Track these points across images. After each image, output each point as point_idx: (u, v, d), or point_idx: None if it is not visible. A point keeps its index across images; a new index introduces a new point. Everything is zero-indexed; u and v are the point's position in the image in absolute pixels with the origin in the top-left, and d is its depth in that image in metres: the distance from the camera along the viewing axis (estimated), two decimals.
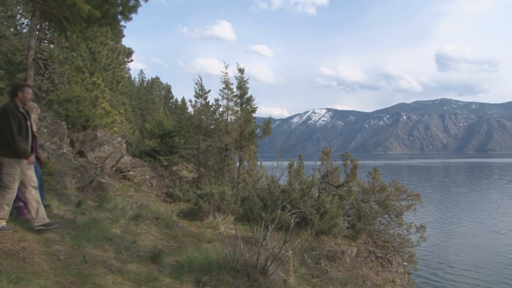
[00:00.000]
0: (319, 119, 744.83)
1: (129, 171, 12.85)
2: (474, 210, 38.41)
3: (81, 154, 12.54)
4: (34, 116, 6.68)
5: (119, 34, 22.57)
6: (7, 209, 5.67)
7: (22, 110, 5.81)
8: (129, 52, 26.83)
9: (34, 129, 6.55)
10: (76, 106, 14.49)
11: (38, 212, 5.79)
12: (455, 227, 30.57)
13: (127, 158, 13.27)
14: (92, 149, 12.75)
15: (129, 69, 34.25)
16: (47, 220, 5.83)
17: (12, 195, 5.71)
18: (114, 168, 12.73)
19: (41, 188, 6.49)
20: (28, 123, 5.89)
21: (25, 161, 5.77)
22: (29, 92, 5.93)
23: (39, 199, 5.91)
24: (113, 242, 5.95)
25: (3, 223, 5.61)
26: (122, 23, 9.68)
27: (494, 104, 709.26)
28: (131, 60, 28.32)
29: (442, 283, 18.69)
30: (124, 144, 14.35)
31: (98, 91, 17.52)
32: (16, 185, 5.73)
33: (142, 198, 10.80)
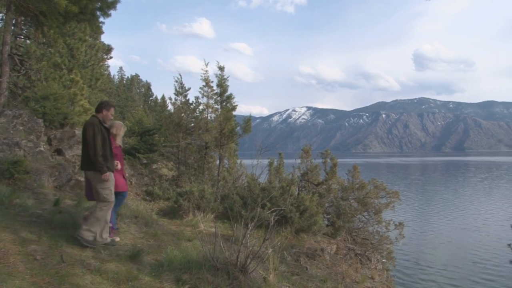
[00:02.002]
0: (299, 117, 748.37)
1: None
2: (449, 207, 39.12)
3: (58, 152, 12.35)
4: (121, 133, 7.06)
5: (98, 31, 22.28)
6: (102, 225, 5.85)
7: (106, 126, 6.04)
8: (108, 49, 26.56)
9: (120, 146, 7.09)
10: (54, 104, 14.24)
11: (103, 230, 5.91)
12: (430, 224, 31.11)
13: None
14: (70, 147, 12.57)
15: (108, 66, 33.93)
16: (109, 240, 6.00)
17: (109, 208, 5.93)
18: None
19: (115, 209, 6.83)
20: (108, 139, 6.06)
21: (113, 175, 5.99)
22: (112, 113, 6.20)
23: (108, 218, 6.04)
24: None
25: (91, 237, 5.74)
26: (101, 19, 9.60)
27: (470, 104, 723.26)
28: (110, 57, 28.04)
29: (419, 279, 19.01)
30: None
31: (77, 88, 17.25)
32: (113, 198, 5.96)
33: None
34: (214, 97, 13.05)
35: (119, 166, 6.80)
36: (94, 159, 5.70)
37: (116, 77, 66.32)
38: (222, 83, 12.68)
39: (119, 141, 7.08)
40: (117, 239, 6.42)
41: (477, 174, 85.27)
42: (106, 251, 5.54)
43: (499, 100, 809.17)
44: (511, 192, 51.09)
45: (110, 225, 6.40)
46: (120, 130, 7.03)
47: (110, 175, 5.88)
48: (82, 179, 10.45)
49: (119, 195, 6.77)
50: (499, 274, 19.61)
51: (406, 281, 18.08)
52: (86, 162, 5.85)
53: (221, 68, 12.65)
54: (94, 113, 6.16)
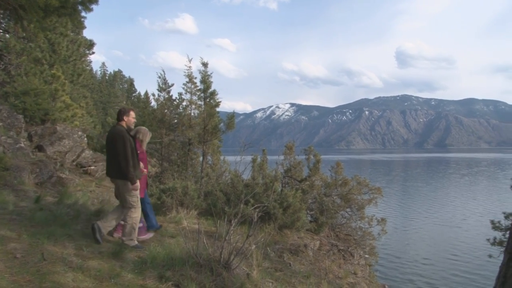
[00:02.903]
0: (282, 113, 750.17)
1: (90, 166, 12.59)
2: (430, 203, 39.76)
3: (39, 148, 12.19)
4: (147, 139, 7.28)
5: (79, 25, 22.00)
6: (136, 229, 6.20)
7: (130, 133, 6.26)
8: (90, 44, 26.20)
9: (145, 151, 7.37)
10: (34, 99, 14.05)
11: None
12: (411, 220, 31.59)
13: (88, 153, 13.00)
14: (52, 143, 12.41)
15: (90, 62, 33.49)
16: (135, 243, 6.20)
17: (138, 214, 6.17)
18: (74, 163, 12.44)
19: (150, 212, 7.32)
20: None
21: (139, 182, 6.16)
22: (133, 116, 6.38)
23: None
24: (73, 238, 5.82)
25: (135, 242, 6.15)
26: (83, 13, 9.44)
27: (452, 101, 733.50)
28: (93, 53, 27.67)
29: (401, 273, 19.28)
30: (85, 138, 14.04)
31: (58, 83, 17.01)
32: (139, 204, 6.20)
33: (104, 193, 10.60)
34: (198, 93, 13.00)
35: (145, 171, 7.16)
36: (126, 170, 5.88)
37: (99, 72, 65.65)
38: (205, 79, 12.63)
39: (144, 147, 7.35)
40: (151, 234, 6.89)
41: (457, 171, 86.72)
42: (89, 248, 5.49)
43: (479, 97, 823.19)
44: (490, 188, 52.05)
45: (141, 224, 6.73)
46: (146, 136, 7.27)
47: (138, 182, 6.10)
48: (64, 176, 10.35)
49: (145, 198, 7.22)
50: (478, 268, 20.01)
51: (388, 276, 18.33)
52: (116, 171, 6.02)
53: (205, 64, 12.60)
54: (116, 122, 6.36)
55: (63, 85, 17.31)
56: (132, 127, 6.48)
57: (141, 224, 6.79)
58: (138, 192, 6.16)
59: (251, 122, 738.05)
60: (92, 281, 4.41)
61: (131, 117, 6.35)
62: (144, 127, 7.50)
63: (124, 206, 6.15)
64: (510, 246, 3.28)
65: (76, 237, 5.93)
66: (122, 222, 6.40)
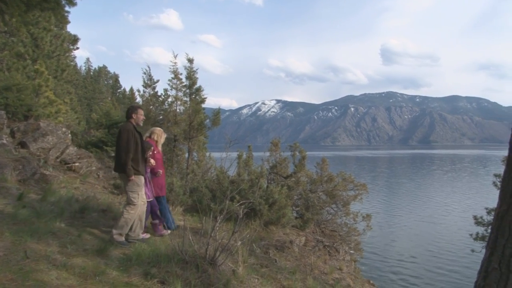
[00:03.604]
0: (268, 110, 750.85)
1: (74, 163, 12.45)
2: (414, 200, 40.19)
3: (22, 145, 12.01)
4: (162, 140, 7.60)
5: (63, 20, 21.65)
6: (133, 226, 6.34)
7: (139, 130, 6.41)
8: (74, 39, 25.86)
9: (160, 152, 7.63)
10: (17, 95, 13.84)
11: (136, 227, 6.43)
12: (395, 216, 31.91)
13: (72, 149, 12.85)
14: (35, 139, 12.24)
15: (74, 57, 33.08)
16: (140, 237, 6.48)
17: (136, 211, 6.27)
18: (58, 160, 12.29)
19: (167, 212, 7.63)
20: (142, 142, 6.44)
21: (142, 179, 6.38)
22: (141, 114, 6.54)
23: (143, 217, 6.56)
24: (57, 236, 5.76)
25: (141, 235, 6.46)
26: (67, 8, 9.29)
27: (436, 98, 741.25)
28: (77, 48, 27.33)
29: (385, 268, 19.48)
30: (69, 135, 13.88)
31: (41, 79, 16.79)
32: (140, 202, 6.32)
33: (89, 190, 10.50)
34: (183, 90, 12.93)
35: (160, 171, 7.37)
36: (124, 162, 6.06)
37: (83, 68, 64.93)
38: (191, 76, 12.57)
39: (160, 147, 7.59)
40: (168, 231, 7.07)
41: (441, 167, 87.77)
42: (73, 246, 5.44)
43: (463, 95, 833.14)
44: (473, 185, 52.77)
45: (157, 221, 7.05)
46: (160, 136, 7.56)
47: (139, 179, 6.29)
48: (48, 172, 10.23)
49: (162, 199, 7.57)
50: (461, 263, 20.30)
51: (373, 271, 18.50)
52: (117, 164, 6.25)
53: (190, 60, 12.53)
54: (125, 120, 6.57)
55: (47, 80, 17.10)
56: (141, 124, 6.64)
57: (157, 221, 7.07)
58: (139, 189, 6.28)
59: (237, 118, 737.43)
60: (76, 279, 4.38)
61: (139, 115, 6.49)
62: (159, 128, 7.76)
63: (126, 202, 6.37)
64: (492, 241, 3.33)
65: (60, 234, 5.88)
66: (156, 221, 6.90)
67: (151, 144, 7.20)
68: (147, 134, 7.55)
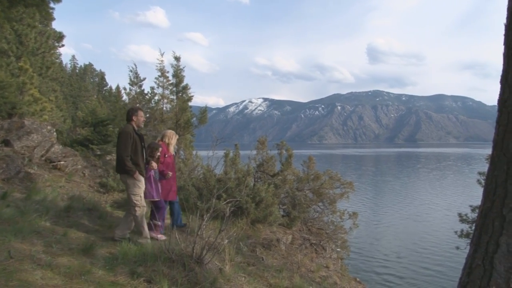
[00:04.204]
0: (255, 108, 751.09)
1: (59, 161, 12.32)
2: (399, 197, 40.54)
3: (6, 143, 11.85)
4: (173, 142, 7.68)
5: (48, 17, 21.37)
6: (145, 227, 6.48)
7: (139, 132, 6.51)
8: (59, 36, 25.54)
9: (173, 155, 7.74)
10: (0, 92, 13.63)
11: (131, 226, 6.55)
12: (381, 214, 32.17)
13: (57, 148, 12.72)
14: (19, 138, 12.09)
15: (60, 54, 32.63)
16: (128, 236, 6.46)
17: (142, 212, 6.41)
18: (43, 158, 12.16)
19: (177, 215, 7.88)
20: (143, 144, 6.54)
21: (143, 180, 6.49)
22: (142, 115, 6.65)
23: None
24: (42, 235, 5.71)
25: (148, 239, 6.44)
26: (51, 4, 9.19)
27: (422, 97, 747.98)
28: (62, 45, 26.99)
29: (372, 266, 19.63)
30: (55, 133, 13.73)
31: (26, 76, 16.56)
32: (143, 203, 6.44)
33: (74, 189, 10.42)
34: (170, 88, 12.89)
35: (170, 174, 7.40)
36: (123, 162, 6.21)
37: (69, 65, 64.30)
38: (178, 74, 12.53)
39: (172, 150, 7.62)
40: (163, 237, 6.89)
41: (426, 165, 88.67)
42: (58, 245, 5.40)
43: (448, 93, 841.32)
44: (457, 183, 53.38)
45: (159, 223, 7.02)
46: (171, 138, 7.59)
47: (140, 181, 6.40)
48: (32, 171, 10.13)
49: (173, 203, 7.75)
50: (446, 260, 20.54)
51: (360, 269, 18.64)
52: (117, 165, 6.39)
53: (177, 58, 12.50)
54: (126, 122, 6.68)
55: (31, 78, 16.87)
56: (142, 126, 6.79)
57: (159, 223, 7.05)
58: (141, 191, 6.39)
59: (224, 116, 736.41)
60: (61, 279, 4.34)
61: (139, 116, 6.58)
62: (170, 130, 7.79)
63: (128, 204, 6.53)
64: (476, 238, 3.39)
65: (45, 233, 5.83)
66: (158, 222, 6.92)
67: (159, 145, 7.22)
68: (159, 137, 7.68)
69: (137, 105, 13.38)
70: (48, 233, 5.91)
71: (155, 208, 7.15)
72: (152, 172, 7.00)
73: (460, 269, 3.55)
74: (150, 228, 6.82)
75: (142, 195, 6.44)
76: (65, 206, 7.69)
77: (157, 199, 7.09)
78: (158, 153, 7.07)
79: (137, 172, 6.29)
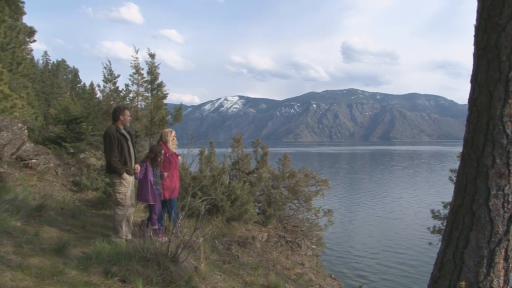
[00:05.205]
0: (231, 106, 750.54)
1: (31, 159, 12.09)
2: (372, 195, 41.10)
3: None
4: (170, 138, 7.61)
5: (18, 11, 20.90)
6: (123, 227, 6.41)
7: (123, 131, 6.45)
8: (31, 31, 24.94)
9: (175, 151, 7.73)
10: None
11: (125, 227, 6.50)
12: (355, 211, 32.58)
13: (29, 146, 12.47)
14: None
15: (31, 50, 31.90)
16: (129, 237, 6.49)
17: (124, 212, 6.39)
18: (14, 156, 11.91)
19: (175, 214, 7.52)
20: (130, 143, 6.52)
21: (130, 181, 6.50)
22: (128, 115, 6.63)
23: (130, 218, 6.64)
24: (12, 235, 5.59)
25: (129, 236, 6.48)
26: None
27: (396, 95, 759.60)
28: (34, 41, 26.38)
29: (347, 262, 19.88)
30: (26, 131, 13.45)
31: None
32: (128, 202, 6.44)
33: (46, 188, 10.24)
34: (145, 85, 12.74)
35: (165, 174, 7.38)
36: (109, 163, 6.31)
37: (41, 62, 62.92)
38: (152, 71, 12.40)
39: (172, 147, 7.60)
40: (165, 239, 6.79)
41: (399, 163, 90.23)
42: (29, 246, 5.29)
43: (422, 92, 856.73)
44: (429, 180, 54.43)
45: (156, 227, 7.00)
46: (167, 135, 7.60)
47: (126, 180, 6.39)
48: (2, 170, 9.90)
49: (170, 201, 7.56)
50: (419, 255, 20.95)
51: (335, 266, 18.85)
52: (106, 167, 6.50)
53: (152, 55, 12.37)
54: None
55: (1, 74, 16.47)
56: (128, 125, 6.71)
57: (156, 227, 7.03)
58: (126, 190, 6.39)
59: (199, 114, 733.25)
60: (33, 280, 4.25)
61: (126, 116, 6.56)
62: (167, 129, 7.93)
63: (113, 202, 6.57)
64: (447, 234, 3.48)
65: (15, 234, 5.71)
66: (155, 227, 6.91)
67: (160, 147, 7.27)
68: (158, 139, 7.76)
69: (121, 103, 13.25)
70: (19, 233, 5.79)
71: (151, 211, 7.14)
72: (151, 176, 6.99)
73: (433, 264, 3.64)
74: (141, 227, 6.82)
75: (128, 194, 6.43)
76: (37, 205, 7.55)
77: (153, 203, 7.06)
78: (161, 157, 7.15)
79: (124, 173, 6.33)
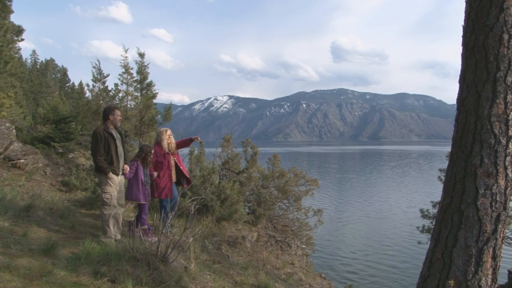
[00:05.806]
0: (221, 106, 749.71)
1: (19, 159, 11.99)
2: (361, 194, 41.29)
3: None
4: (164, 138, 7.61)
5: (5, 9, 20.68)
6: (111, 226, 6.39)
7: (111, 131, 6.42)
8: (19, 30, 24.67)
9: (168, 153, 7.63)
10: None
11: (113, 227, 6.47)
12: (344, 211, 32.72)
13: (17, 145, 12.38)
14: None
15: (19, 49, 31.56)
16: (119, 237, 6.46)
17: (110, 212, 6.33)
18: (1, 156, 11.81)
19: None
20: (118, 142, 6.48)
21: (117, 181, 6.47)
22: (118, 114, 6.59)
23: (119, 218, 6.58)
24: (0, 236, 5.55)
25: (118, 236, 6.44)
26: None
27: (385, 95, 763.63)
28: (22, 39, 26.12)
29: (337, 262, 19.96)
30: (14, 130, 13.35)
31: None
32: (114, 202, 6.39)
33: (35, 188, 10.17)
34: (134, 85, 12.69)
35: (155, 174, 7.39)
36: (95, 162, 6.32)
37: (29, 61, 62.31)
38: (142, 70, 12.35)
39: (165, 147, 7.56)
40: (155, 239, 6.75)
41: (388, 163, 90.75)
42: (17, 246, 5.26)
43: (411, 92, 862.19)
44: (418, 179, 54.80)
45: (146, 227, 6.99)
46: (161, 135, 7.64)
47: (112, 179, 6.36)
48: None
49: (164, 201, 7.59)
50: (408, 255, 21.11)
51: (325, 265, 18.92)
52: (94, 166, 6.46)
53: (141, 55, 12.32)
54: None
55: None
56: (119, 124, 6.67)
57: (146, 226, 7.02)
58: (112, 189, 6.35)
59: (189, 114, 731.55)
60: (21, 281, 4.22)
61: (116, 115, 6.52)
62: (162, 128, 7.91)
63: (100, 202, 6.54)
64: (436, 233, 3.52)
65: (3, 234, 5.67)
66: (145, 227, 6.92)
67: (150, 147, 7.34)
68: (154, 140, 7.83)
69: (111, 103, 13.17)
70: (7, 233, 5.74)
71: (140, 211, 7.15)
72: (141, 175, 7.03)
73: (421, 263, 3.68)
74: (131, 227, 6.87)
75: (114, 194, 6.41)
76: (25, 205, 7.49)
77: (143, 202, 7.07)
78: (151, 156, 7.19)
79: (110, 173, 6.32)
